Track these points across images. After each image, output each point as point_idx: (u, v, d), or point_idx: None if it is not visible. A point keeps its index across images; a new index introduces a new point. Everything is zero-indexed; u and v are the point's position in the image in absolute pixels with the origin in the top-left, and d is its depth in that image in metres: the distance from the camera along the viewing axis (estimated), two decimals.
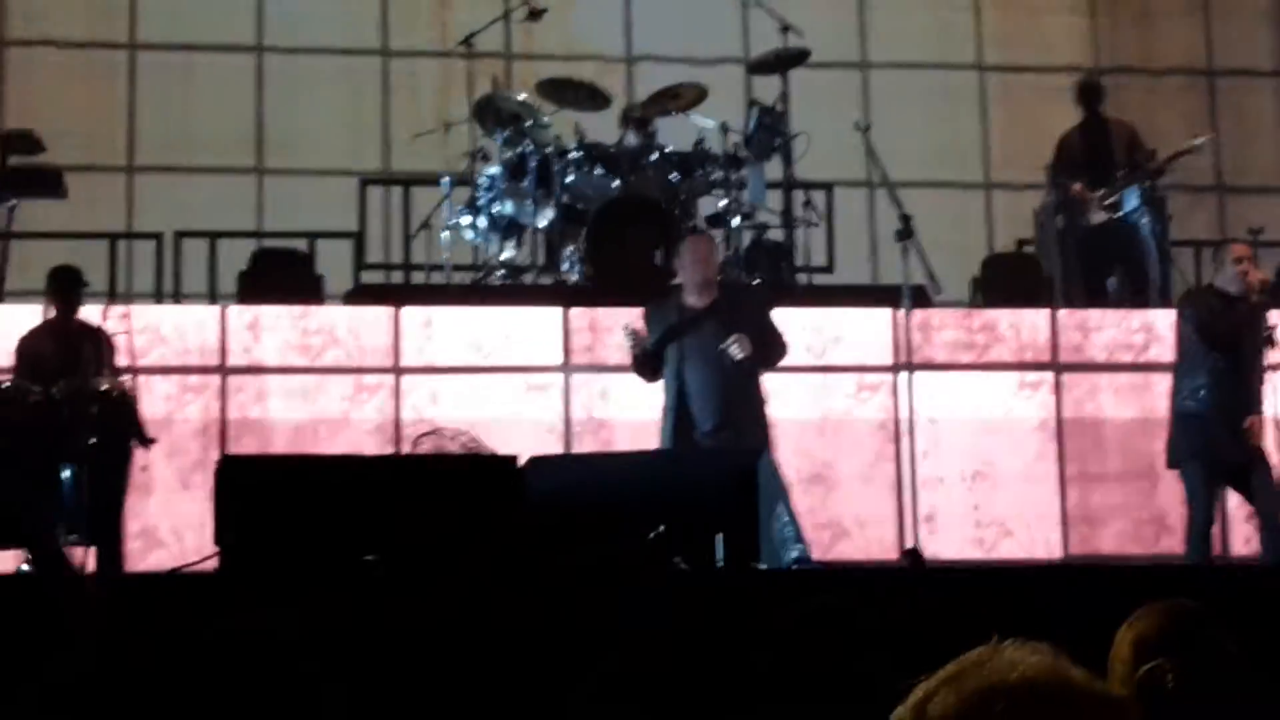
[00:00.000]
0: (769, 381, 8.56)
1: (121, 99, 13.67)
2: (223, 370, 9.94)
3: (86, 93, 13.66)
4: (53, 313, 8.74)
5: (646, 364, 8.32)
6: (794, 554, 7.96)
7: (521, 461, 6.29)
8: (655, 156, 10.64)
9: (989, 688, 1.64)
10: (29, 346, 8.49)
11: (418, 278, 11.70)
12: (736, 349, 8.04)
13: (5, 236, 11.45)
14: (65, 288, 8.60)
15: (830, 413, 10.11)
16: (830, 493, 9.98)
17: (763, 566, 6.63)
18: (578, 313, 10.16)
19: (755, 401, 8.28)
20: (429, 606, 5.18)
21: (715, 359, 8.07)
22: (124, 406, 8.20)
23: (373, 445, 9.76)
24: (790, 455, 9.46)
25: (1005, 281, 11.40)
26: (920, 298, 9.32)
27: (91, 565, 7.85)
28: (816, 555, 8.70)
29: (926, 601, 5.45)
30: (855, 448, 10.07)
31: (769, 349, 8.32)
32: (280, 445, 9.74)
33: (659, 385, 8.36)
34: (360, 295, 10.91)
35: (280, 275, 10.85)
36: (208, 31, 13.72)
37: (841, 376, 10.16)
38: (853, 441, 10.11)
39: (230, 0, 13.83)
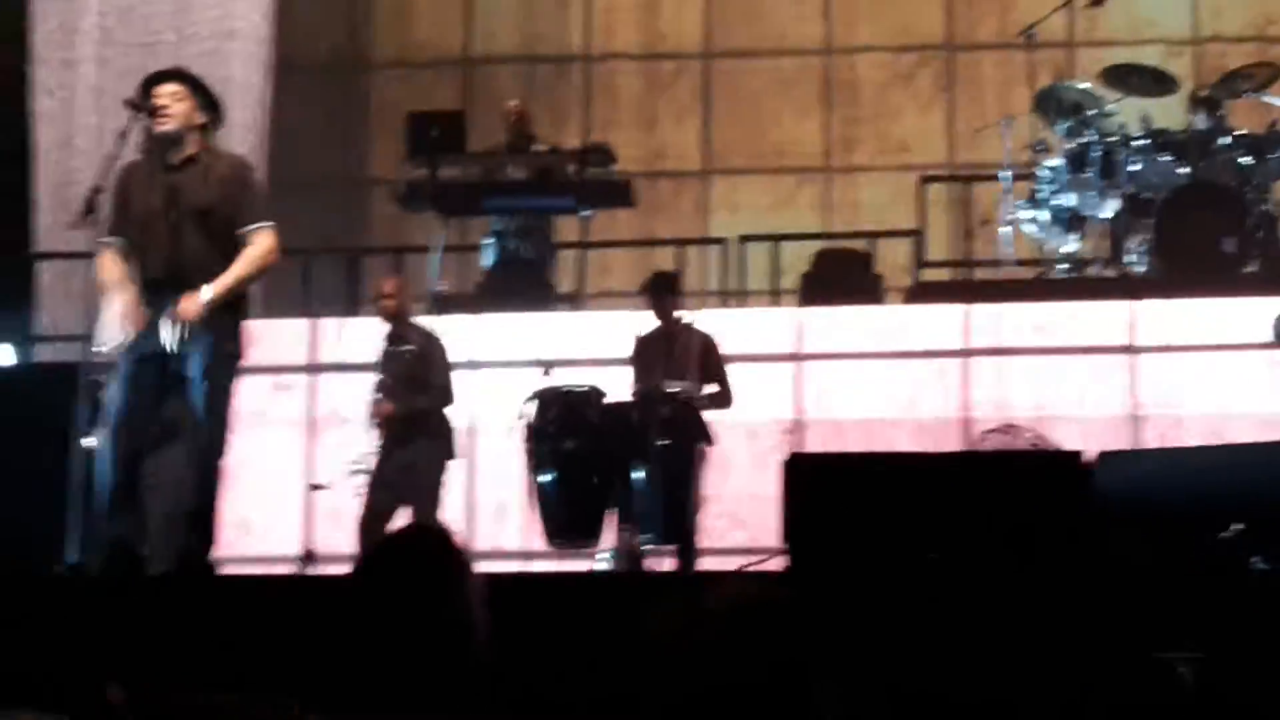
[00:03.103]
0: None
1: (693, 106, 14.11)
2: (797, 358, 10.15)
3: (662, 102, 14.16)
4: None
5: None
6: None
7: (1091, 456, 6.18)
8: (1226, 141, 10.30)
9: None
10: (637, 349, 8.80)
11: (978, 275, 11.63)
12: None
13: (583, 245, 11.98)
14: (655, 291, 8.88)
15: None
16: None
17: None
18: (1145, 304, 9.92)
19: None
20: (990, 606, 5.15)
21: None
22: (690, 409, 8.39)
23: (937, 434, 9.76)
24: None
25: None
26: None
27: (668, 565, 8.07)
28: None
29: None
30: None
31: None
32: (850, 436, 9.83)
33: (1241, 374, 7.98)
34: (921, 293, 10.93)
35: (840, 275, 10.97)
36: (775, 36, 14.00)
37: None
38: None
39: (798, 5, 14.05)
